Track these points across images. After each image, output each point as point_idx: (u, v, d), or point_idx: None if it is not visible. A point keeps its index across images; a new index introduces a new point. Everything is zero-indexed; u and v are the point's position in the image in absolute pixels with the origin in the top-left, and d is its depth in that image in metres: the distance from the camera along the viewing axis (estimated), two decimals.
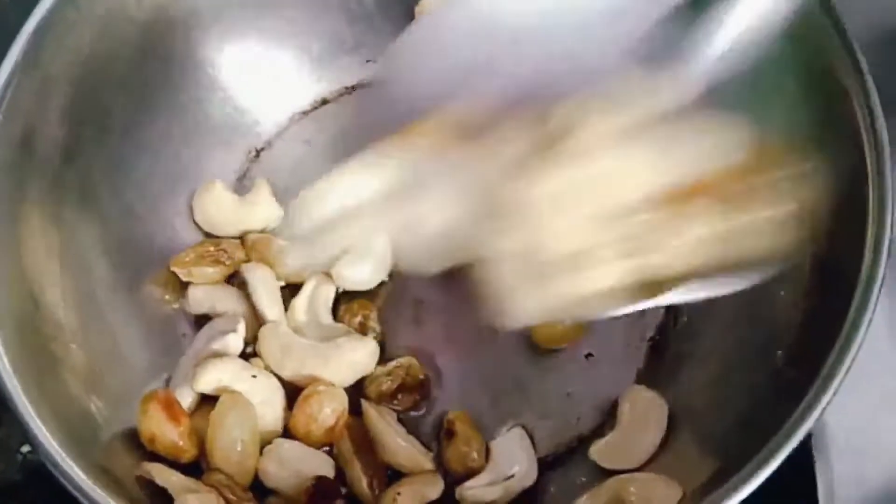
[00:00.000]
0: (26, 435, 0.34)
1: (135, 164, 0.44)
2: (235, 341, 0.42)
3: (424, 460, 0.40)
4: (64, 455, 0.34)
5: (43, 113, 0.39)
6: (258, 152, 0.48)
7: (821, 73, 0.37)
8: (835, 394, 0.32)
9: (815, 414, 0.32)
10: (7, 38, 0.38)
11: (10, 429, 0.45)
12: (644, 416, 0.41)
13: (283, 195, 0.46)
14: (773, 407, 0.34)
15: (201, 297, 0.44)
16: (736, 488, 0.32)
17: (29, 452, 0.45)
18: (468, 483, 0.40)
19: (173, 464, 0.38)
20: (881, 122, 0.34)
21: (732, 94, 0.34)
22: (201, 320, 0.44)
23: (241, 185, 0.48)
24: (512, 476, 0.40)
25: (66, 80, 0.40)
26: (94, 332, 0.40)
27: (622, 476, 0.39)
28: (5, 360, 0.34)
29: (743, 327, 0.40)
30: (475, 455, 0.41)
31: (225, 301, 0.44)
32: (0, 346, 0.35)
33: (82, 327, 0.40)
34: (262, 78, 0.48)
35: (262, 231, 0.46)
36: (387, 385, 0.42)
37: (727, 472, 0.33)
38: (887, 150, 0.34)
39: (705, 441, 0.39)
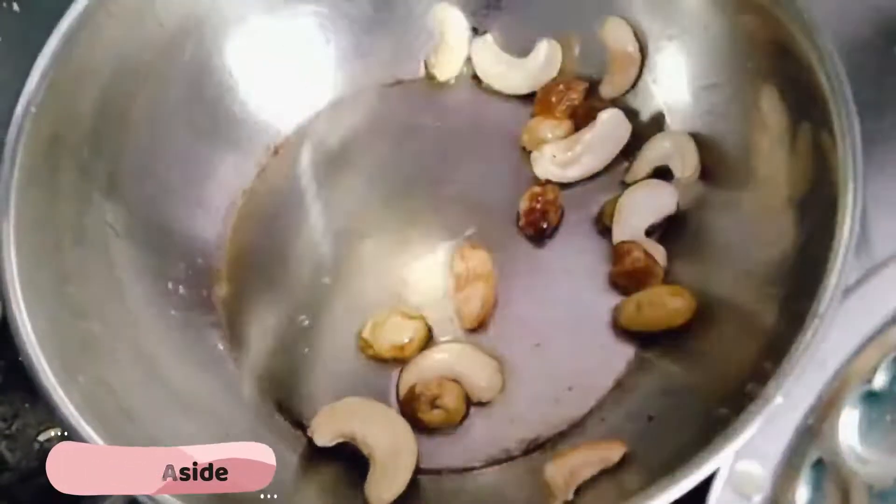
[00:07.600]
0: (53, 415, 0.35)
1: (159, 157, 0.45)
2: None
3: None
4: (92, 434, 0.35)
5: (74, 106, 0.40)
6: (276, 150, 0.50)
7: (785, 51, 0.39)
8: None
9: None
10: (20, 45, 0.39)
11: (27, 419, 0.47)
12: None
13: (300, 189, 0.48)
14: None
15: None
16: None
17: (46, 441, 0.46)
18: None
19: None
20: (845, 86, 0.36)
21: None
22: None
23: (260, 181, 0.49)
24: None
25: (96, 77, 0.41)
26: (117, 314, 0.41)
27: None
28: (36, 346, 0.36)
29: None
30: None
31: None
32: (29, 326, 0.36)
33: (106, 310, 0.41)
34: (282, 79, 0.49)
35: None
36: None
37: None
38: (854, 115, 0.36)
39: None
